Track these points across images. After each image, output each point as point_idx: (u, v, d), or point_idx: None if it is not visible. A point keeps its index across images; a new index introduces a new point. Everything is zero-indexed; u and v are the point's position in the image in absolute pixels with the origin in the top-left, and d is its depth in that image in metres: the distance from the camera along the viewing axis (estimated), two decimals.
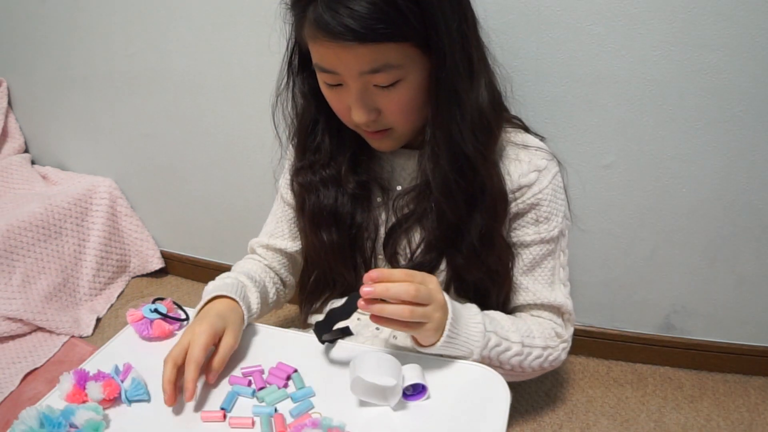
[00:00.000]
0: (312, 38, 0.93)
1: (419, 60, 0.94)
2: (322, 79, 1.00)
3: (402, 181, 1.14)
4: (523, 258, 1.11)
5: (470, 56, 0.98)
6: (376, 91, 0.96)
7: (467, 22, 0.97)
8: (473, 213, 1.05)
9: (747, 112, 1.37)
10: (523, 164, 1.07)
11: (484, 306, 1.05)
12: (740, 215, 1.52)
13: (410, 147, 1.11)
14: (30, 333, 1.92)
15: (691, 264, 1.61)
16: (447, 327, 0.91)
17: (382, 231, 1.15)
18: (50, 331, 1.94)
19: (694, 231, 1.56)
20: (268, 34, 1.41)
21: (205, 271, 2.18)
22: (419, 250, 1.10)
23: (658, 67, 1.35)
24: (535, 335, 1.07)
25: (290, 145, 1.21)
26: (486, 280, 1.11)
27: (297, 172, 1.17)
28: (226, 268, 1.98)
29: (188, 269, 2.23)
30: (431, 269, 1.09)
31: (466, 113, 0.99)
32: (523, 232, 1.10)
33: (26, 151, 2.36)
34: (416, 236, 1.10)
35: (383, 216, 1.15)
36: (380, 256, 1.16)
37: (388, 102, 0.97)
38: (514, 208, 1.08)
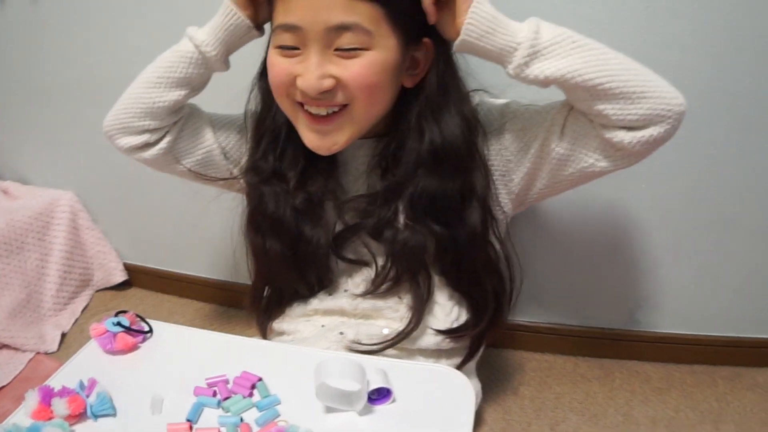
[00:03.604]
0: None
1: (389, 36, 0.95)
2: (278, 42, 0.98)
3: (354, 171, 1.13)
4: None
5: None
6: (335, 60, 0.95)
7: None
8: (461, 175, 1.05)
9: (702, 107, 1.40)
10: None
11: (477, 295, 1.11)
12: (700, 210, 1.55)
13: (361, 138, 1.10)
14: None
15: (653, 259, 1.64)
16: None
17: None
18: (15, 349, 1.90)
19: (656, 227, 1.59)
20: None
21: (169, 282, 2.16)
22: (403, 237, 1.07)
23: None
24: None
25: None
26: (466, 248, 1.08)
27: (247, 169, 1.17)
28: (191, 279, 1.95)
29: (152, 281, 2.20)
30: (419, 246, 1.07)
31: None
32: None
33: None
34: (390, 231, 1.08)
35: (336, 221, 1.14)
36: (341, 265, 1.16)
37: (348, 71, 0.95)
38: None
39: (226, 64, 1.16)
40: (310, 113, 1.00)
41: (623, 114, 0.92)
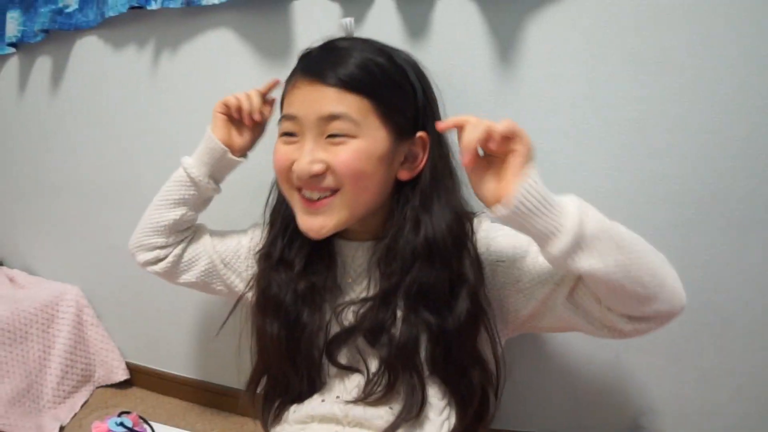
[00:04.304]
0: (291, 85, 1.08)
1: (377, 128, 1.04)
2: (281, 131, 1.10)
3: (353, 273, 1.18)
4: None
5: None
6: (327, 146, 1.04)
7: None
8: (452, 264, 1.08)
9: (699, 213, 1.43)
10: None
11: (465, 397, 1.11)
12: (700, 313, 1.54)
13: (359, 239, 1.17)
14: None
15: (655, 364, 1.62)
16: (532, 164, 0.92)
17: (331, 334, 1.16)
18: None
19: (657, 332, 1.57)
20: None
21: (171, 384, 2.13)
22: (399, 335, 1.08)
23: (609, 178, 1.42)
24: None
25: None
26: (454, 337, 1.09)
27: (260, 255, 1.24)
28: (193, 382, 1.94)
29: (154, 382, 2.18)
30: (413, 340, 1.08)
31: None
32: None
33: None
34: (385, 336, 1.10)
35: (332, 321, 1.16)
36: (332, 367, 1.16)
37: (336, 157, 1.03)
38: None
39: (213, 187, 1.29)
40: (305, 197, 1.08)
41: (630, 310, 0.97)
